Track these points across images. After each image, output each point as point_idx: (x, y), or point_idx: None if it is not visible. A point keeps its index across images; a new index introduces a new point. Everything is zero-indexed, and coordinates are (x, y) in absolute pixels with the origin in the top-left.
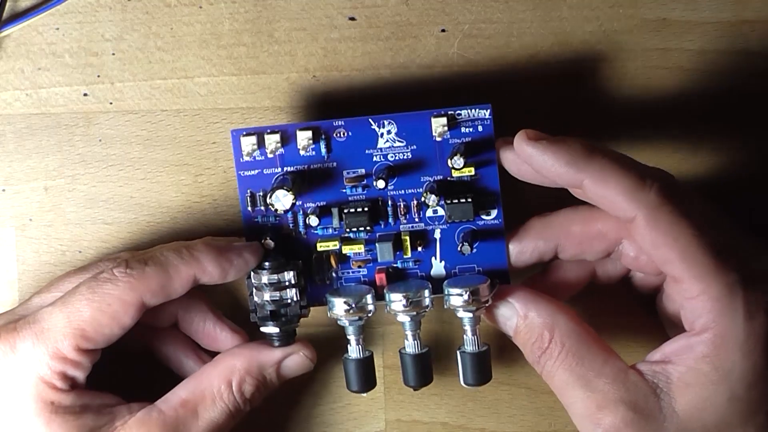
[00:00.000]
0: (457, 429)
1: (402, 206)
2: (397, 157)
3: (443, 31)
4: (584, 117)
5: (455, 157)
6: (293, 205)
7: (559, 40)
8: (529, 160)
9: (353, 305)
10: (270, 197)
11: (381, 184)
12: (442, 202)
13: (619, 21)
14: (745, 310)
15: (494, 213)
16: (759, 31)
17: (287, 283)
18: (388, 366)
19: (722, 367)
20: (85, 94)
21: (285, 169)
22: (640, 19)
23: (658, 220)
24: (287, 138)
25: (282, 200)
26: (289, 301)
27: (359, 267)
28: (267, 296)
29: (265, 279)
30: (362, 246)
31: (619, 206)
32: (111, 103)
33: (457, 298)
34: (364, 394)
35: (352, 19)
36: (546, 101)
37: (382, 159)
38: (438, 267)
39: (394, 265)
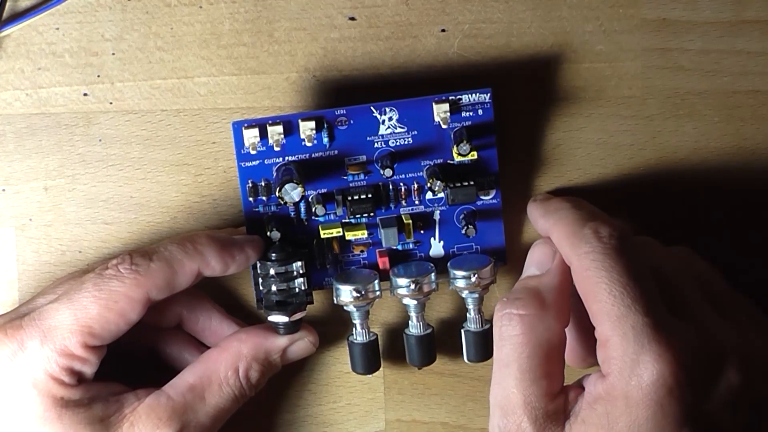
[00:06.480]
0: (457, 429)
1: (403, 190)
2: (398, 143)
3: (443, 31)
4: (584, 117)
5: (462, 144)
6: (302, 197)
7: (559, 40)
8: (529, 215)
9: (361, 292)
10: (279, 191)
11: (389, 172)
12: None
13: (619, 21)
14: (640, 362)
15: (492, 193)
16: (759, 31)
17: (295, 273)
18: (388, 366)
19: (611, 413)
20: (85, 94)
21: (287, 158)
22: (640, 19)
23: (585, 268)
24: (290, 128)
25: (291, 193)
26: (297, 290)
27: (360, 251)
28: (274, 286)
29: (272, 270)
30: (365, 231)
31: (564, 253)
32: (111, 103)
33: (463, 280)
34: (369, 376)
35: (352, 19)
36: (546, 101)
37: (384, 145)
38: (437, 247)
39: (394, 248)
